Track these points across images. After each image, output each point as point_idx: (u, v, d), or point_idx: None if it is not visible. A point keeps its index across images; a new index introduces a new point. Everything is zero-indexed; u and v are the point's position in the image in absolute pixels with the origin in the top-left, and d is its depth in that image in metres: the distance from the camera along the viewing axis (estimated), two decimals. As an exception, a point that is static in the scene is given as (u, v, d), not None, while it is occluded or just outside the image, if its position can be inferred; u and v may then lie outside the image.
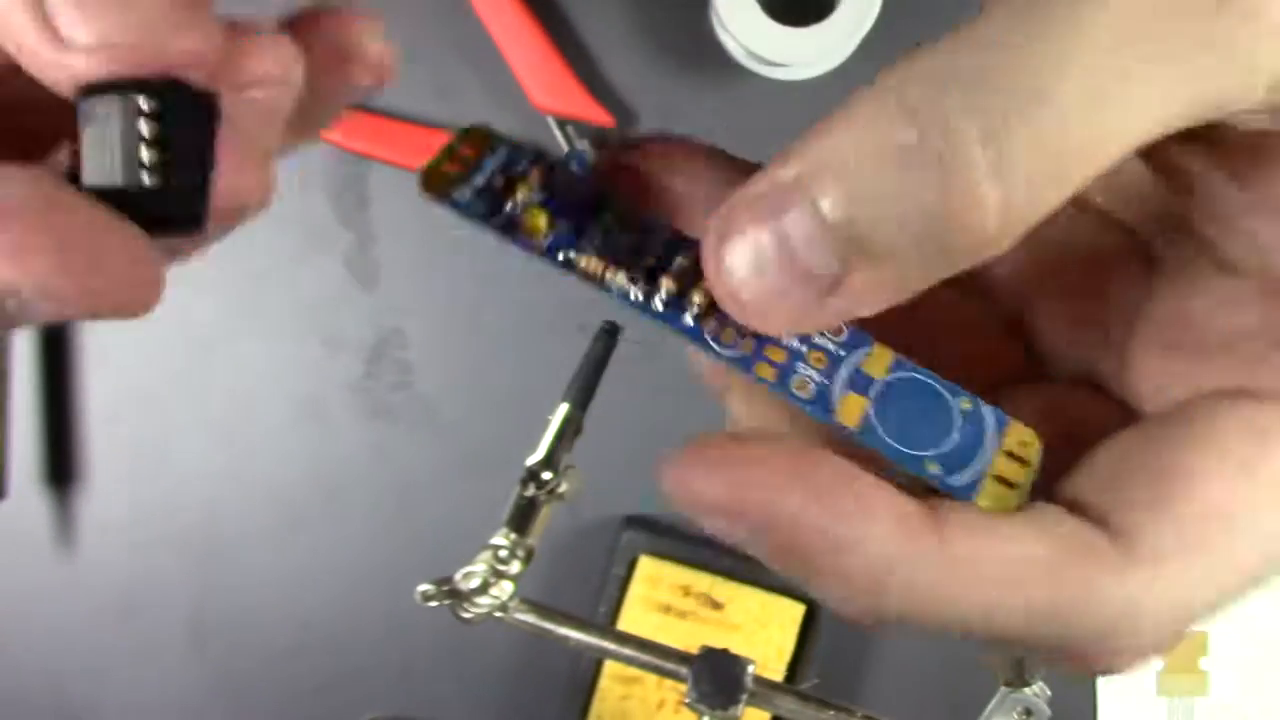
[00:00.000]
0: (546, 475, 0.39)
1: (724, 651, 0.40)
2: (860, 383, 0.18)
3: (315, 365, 0.56)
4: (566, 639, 0.50)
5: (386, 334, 0.56)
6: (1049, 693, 0.42)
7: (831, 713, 0.41)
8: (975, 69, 0.15)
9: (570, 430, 0.40)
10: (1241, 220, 0.18)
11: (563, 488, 0.40)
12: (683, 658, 0.41)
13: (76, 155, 0.16)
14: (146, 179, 0.16)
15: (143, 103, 0.16)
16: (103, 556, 0.57)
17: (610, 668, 0.54)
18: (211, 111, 0.16)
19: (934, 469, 0.17)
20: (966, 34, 0.15)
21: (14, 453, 0.56)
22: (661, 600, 0.55)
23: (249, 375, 0.57)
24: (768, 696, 0.41)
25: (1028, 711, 0.43)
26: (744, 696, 0.42)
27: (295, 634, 0.57)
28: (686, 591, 0.55)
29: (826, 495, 0.16)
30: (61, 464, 0.57)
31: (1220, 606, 0.17)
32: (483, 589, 0.45)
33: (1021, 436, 0.18)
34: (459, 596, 0.44)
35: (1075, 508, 0.17)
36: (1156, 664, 0.58)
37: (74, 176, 0.16)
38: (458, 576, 0.42)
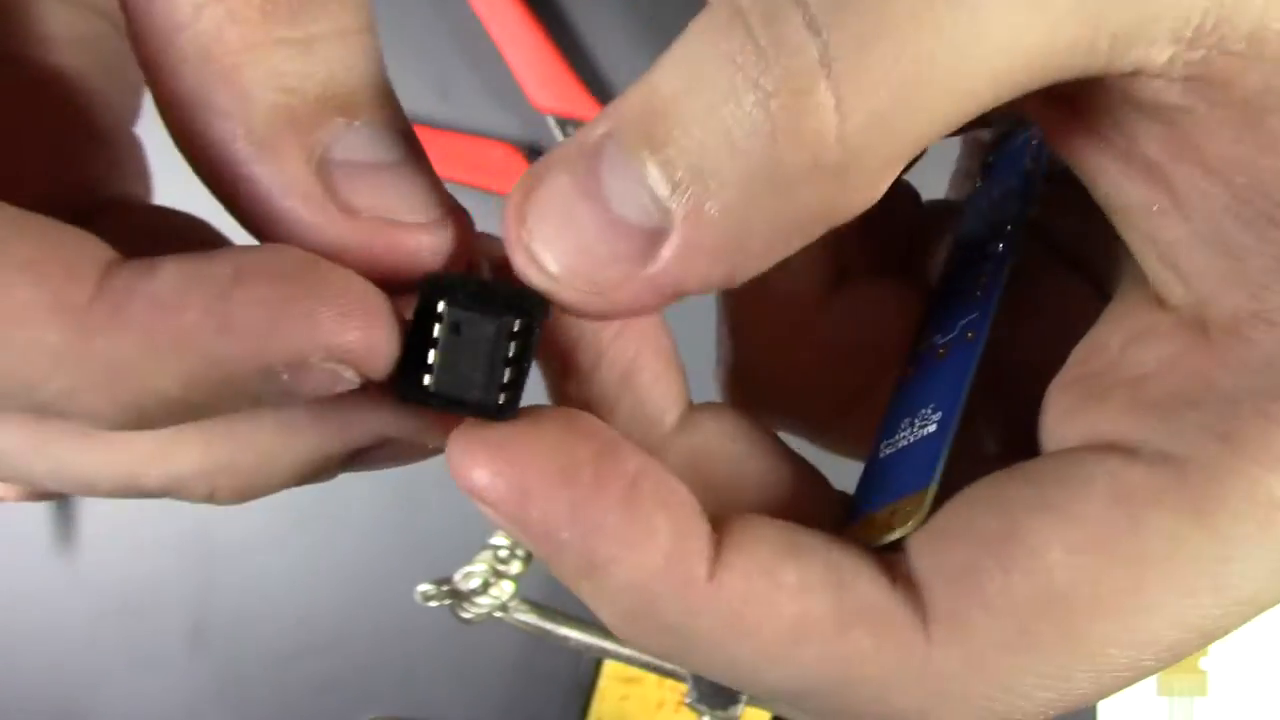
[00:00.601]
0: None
1: (724, 651, 0.40)
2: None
3: (315, 365, 0.56)
4: (566, 639, 0.50)
5: (386, 334, 0.56)
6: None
7: (831, 713, 0.41)
8: None
9: (570, 430, 0.40)
10: (1161, 235, 0.15)
11: (563, 488, 0.40)
12: (683, 658, 0.41)
13: (417, 338, 0.15)
14: (501, 398, 0.15)
15: (516, 325, 0.15)
16: (103, 557, 0.56)
17: (610, 668, 0.54)
18: (546, 316, 0.15)
19: (888, 451, 0.18)
20: None
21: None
22: (661, 600, 0.55)
23: (249, 375, 0.57)
24: (768, 696, 0.41)
25: (1028, 711, 0.42)
26: (744, 696, 0.42)
27: (295, 634, 0.57)
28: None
29: (590, 505, 0.14)
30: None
31: (1094, 699, 0.14)
32: (483, 589, 0.45)
33: (911, 507, 0.16)
34: (459, 596, 0.45)
35: (896, 568, 0.15)
36: (1157, 664, 0.58)
37: (410, 357, 0.15)
38: (458, 576, 0.43)
